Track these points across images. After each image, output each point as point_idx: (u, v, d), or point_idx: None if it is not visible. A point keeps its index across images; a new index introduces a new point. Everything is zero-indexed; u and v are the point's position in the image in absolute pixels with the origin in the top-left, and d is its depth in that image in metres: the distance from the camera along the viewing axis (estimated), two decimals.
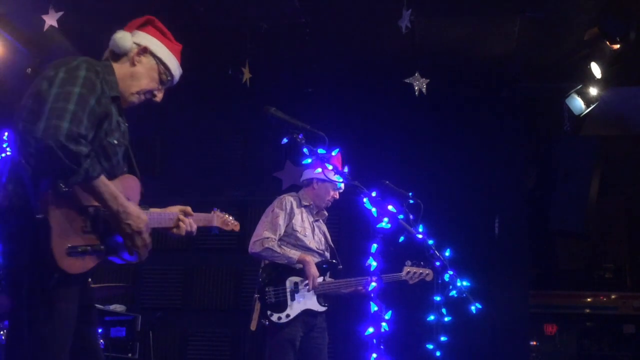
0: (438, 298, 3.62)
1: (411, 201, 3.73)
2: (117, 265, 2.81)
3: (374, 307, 3.79)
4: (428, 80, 5.76)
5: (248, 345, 6.57)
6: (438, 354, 3.60)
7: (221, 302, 6.85)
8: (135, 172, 2.89)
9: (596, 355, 8.99)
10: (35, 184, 2.45)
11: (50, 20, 5.43)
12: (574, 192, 6.52)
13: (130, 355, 6.01)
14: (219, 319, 6.84)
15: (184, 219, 3.00)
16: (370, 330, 3.77)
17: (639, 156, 7.91)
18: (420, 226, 3.51)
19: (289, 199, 4.80)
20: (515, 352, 6.40)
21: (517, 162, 6.85)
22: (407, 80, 5.78)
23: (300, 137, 3.22)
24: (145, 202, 2.91)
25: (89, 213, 2.59)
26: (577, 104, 6.21)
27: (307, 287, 4.58)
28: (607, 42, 5.42)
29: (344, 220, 6.59)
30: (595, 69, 5.79)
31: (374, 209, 3.42)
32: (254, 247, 4.63)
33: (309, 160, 3.85)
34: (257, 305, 4.54)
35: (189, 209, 3.04)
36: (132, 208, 2.66)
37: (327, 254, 4.87)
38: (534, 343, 8.84)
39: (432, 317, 3.63)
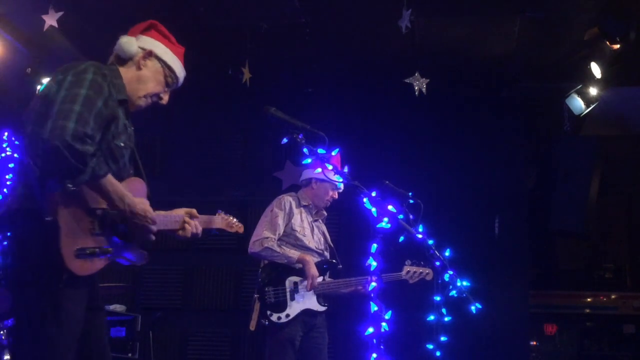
0: (438, 298, 3.62)
1: (411, 201, 3.73)
2: (122, 266, 2.83)
3: (374, 307, 3.79)
4: (428, 80, 5.76)
5: (248, 345, 6.59)
6: (438, 354, 3.59)
7: (221, 302, 6.85)
8: (142, 175, 2.93)
9: (596, 355, 8.99)
10: (42, 185, 2.49)
11: (50, 20, 5.43)
12: (574, 192, 6.52)
13: (130, 355, 6.01)
14: (219, 319, 6.84)
15: (190, 221, 3.03)
16: (370, 330, 3.77)
17: (639, 156, 7.91)
18: (420, 226, 3.51)
19: (287, 199, 4.80)
20: (515, 352, 6.40)
21: (517, 162, 6.85)
22: (407, 80, 5.78)
23: (300, 137, 3.23)
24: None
25: (96, 215, 2.62)
26: (577, 104, 6.21)
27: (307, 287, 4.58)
28: (607, 42, 5.42)
29: (344, 220, 6.59)
30: (595, 69, 5.79)
31: (374, 209, 3.42)
32: (253, 247, 4.63)
33: (309, 160, 3.86)
34: (257, 305, 4.54)
35: (194, 211, 3.07)
36: (140, 206, 2.71)
37: (327, 254, 4.87)
38: (534, 343, 8.84)
39: (432, 317, 3.63)
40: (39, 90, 6.08)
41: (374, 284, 3.78)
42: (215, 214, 3.42)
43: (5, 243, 2.61)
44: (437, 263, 3.50)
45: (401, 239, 3.48)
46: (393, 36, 5.47)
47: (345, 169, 4.48)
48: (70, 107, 2.49)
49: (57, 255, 2.45)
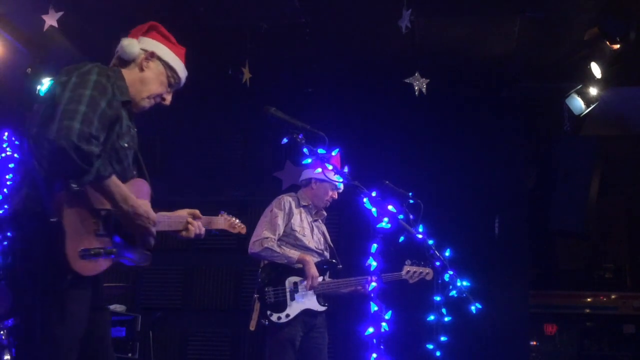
0: (438, 298, 3.61)
1: (411, 201, 3.73)
2: (122, 266, 2.83)
3: (374, 307, 3.79)
4: (428, 80, 5.76)
5: (248, 345, 6.59)
6: (438, 354, 3.59)
7: (221, 302, 6.85)
8: (145, 176, 2.95)
9: (596, 355, 8.99)
10: (48, 186, 2.50)
11: (50, 20, 5.43)
12: (574, 192, 6.51)
13: (130, 355, 6.01)
14: (219, 319, 6.84)
15: (193, 221, 3.06)
16: (370, 330, 3.77)
17: (639, 156, 7.90)
18: (420, 226, 3.51)
19: (287, 199, 4.80)
20: (515, 352, 6.40)
21: (517, 162, 6.84)
22: (407, 80, 5.78)
23: (300, 137, 3.23)
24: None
25: (101, 215, 2.64)
26: (577, 104, 6.21)
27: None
28: (607, 42, 5.42)
29: (344, 220, 6.59)
30: (595, 69, 5.79)
31: (374, 209, 3.42)
32: (253, 247, 4.63)
33: (309, 160, 3.86)
34: (257, 305, 4.54)
35: (197, 212, 3.10)
36: (142, 208, 2.72)
37: (327, 254, 4.87)
38: (534, 343, 8.84)
39: (432, 317, 3.63)
40: (38, 89, 6.14)
41: (374, 284, 3.78)
42: (217, 215, 3.46)
43: (5, 243, 2.62)
44: (437, 263, 3.50)
45: (401, 239, 3.48)
46: (393, 36, 5.47)
47: (345, 169, 4.48)
48: (75, 107, 2.51)
49: (62, 255, 2.47)
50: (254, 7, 5.56)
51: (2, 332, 4.56)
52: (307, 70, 6.54)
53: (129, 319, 6.14)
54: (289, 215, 4.74)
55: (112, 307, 6.12)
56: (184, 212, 3.06)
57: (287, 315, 4.53)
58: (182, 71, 3.04)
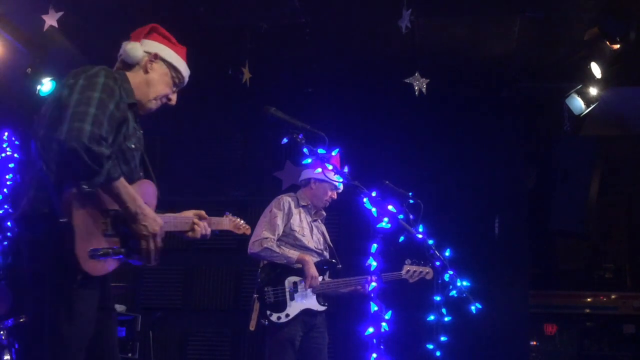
0: (438, 298, 3.61)
1: (411, 201, 3.73)
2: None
3: (374, 307, 3.80)
4: (428, 80, 5.76)
5: (248, 345, 6.59)
6: (438, 354, 3.59)
7: (221, 302, 6.85)
8: (151, 177, 2.96)
9: (596, 355, 8.99)
10: (57, 187, 2.52)
11: (50, 20, 5.43)
12: (574, 192, 6.52)
13: (130, 355, 6.01)
14: (219, 319, 6.84)
15: (199, 222, 3.08)
16: (370, 330, 3.77)
17: (639, 156, 7.90)
18: (420, 226, 3.51)
19: (286, 199, 4.80)
20: (515, 352, 6.40)
21: (517, 162, 6.84)
22: (407, 80, 5.78)
23: (300, 137, 3.23)
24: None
25: (110, 216, 2.65)
26: (577, 104, 6.21)
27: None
28: (607, 42, 5.42)
29: (343, 220, 6.58)
30: (595, 69, 5.79)
31: (374, 209, 3.42)
32: (253, 247, 4.63)
33: (309, 160, 3.86)
34: (256, 305, 4.54)
35: (203, 212, 3.12)
36: (149, 211, 2.73)
37: (326, 254, 4.87)
38: (534, 343, 8.85)
39: (432, 317, 3.63)
40: (38, 89, 6.13)
41: (374, 283, 3.78)
42: (222, 216, 3.49)
43: (6, 243, 2.64)
44: (437, 263, 3.49)
45: (401, 239, 3.48)
46: (393, 36, 5.48)
47: (345, 169, 4.48)
48: (85, 109, 2.53)
49: (72, 256, 2.48)
50: (254, 7, 5.57)
51: (2, 332, 4.56)
52: (307, 70, 6.54)
53: (129, 319, 6.14)
54: (288, 215, 4.74)
55: None
56: (189, 213, 3.08)
57: (287, 315, 4.53)
58: (185, 70, 3.07)
